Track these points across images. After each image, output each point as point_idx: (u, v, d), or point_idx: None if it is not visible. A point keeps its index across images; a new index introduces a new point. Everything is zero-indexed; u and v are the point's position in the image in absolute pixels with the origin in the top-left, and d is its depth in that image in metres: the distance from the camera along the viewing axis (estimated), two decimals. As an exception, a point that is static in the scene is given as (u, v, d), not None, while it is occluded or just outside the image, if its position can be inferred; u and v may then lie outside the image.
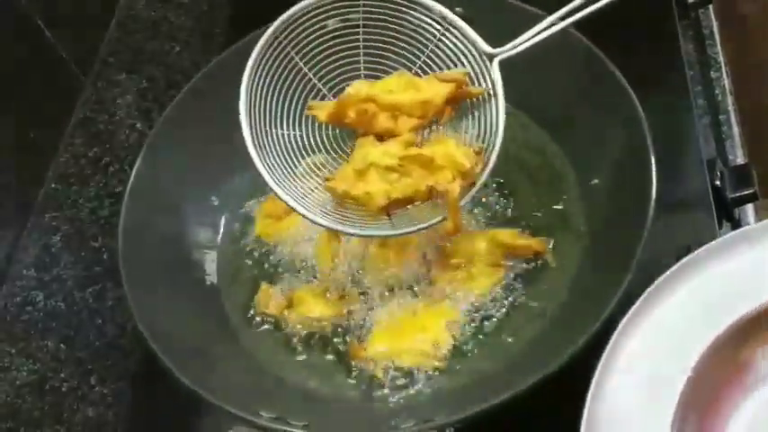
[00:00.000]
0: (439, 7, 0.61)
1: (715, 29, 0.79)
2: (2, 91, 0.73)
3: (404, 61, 0.62)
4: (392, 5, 0.61)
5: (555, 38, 0.64)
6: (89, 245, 0.76)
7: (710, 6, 0.80)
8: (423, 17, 0.61)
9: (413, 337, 0.61)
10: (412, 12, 0.61)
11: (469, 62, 0.60)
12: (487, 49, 0.60)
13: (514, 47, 0.59)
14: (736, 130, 0.74)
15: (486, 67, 0.60)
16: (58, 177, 0.80)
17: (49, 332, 0.71)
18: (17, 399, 0.67)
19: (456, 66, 0.61)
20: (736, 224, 0.69)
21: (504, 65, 0.60)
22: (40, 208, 0.78)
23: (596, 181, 0.63)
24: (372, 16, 0.61)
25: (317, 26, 0.61)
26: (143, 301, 0.58)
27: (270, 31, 0.59)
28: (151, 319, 0.56)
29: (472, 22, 0.66)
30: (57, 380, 0.68)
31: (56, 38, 0.81)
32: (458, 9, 0.69)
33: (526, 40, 0.59)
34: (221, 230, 0.69)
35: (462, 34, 0.61)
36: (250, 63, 0.58)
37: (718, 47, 0.77)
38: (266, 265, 0.68)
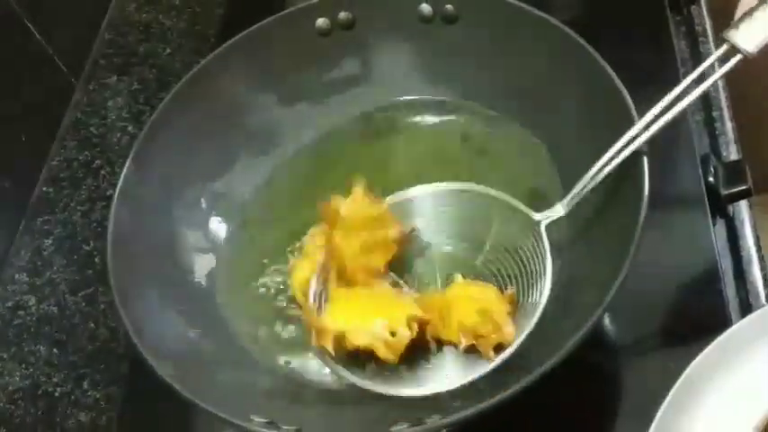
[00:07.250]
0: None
1: (707, 25, 0.79)
2: (-8, 94, 0.73)
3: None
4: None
5: (546, 33, 0.64)
6: (81, 248, 0.76)
7: (702, 2, 0.80)
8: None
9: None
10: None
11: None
12: (535, 217, 0.59)
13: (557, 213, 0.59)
14: (729, 126, 0.74)
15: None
16: (50, 181, 0.80)
17: (41, 337, 0.71)
18: (10, 404, 0.67)
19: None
20: (729, 220, 0.69)
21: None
22: (31, 211, 0.77)
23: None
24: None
25: None
26: (131, 304, 0.57)
27: None
28: (140, 322, 0.56)
29: (459, 19, 0.66)
30: (49, 385, 0.68)
31: (46, 40, 0.81)
32: (448, 6, 0.69)
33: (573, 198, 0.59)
34: (211, 233, 0.68)
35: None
36: None
37: (711, 43, 0.77)
38: (260, 266, 0.68)
